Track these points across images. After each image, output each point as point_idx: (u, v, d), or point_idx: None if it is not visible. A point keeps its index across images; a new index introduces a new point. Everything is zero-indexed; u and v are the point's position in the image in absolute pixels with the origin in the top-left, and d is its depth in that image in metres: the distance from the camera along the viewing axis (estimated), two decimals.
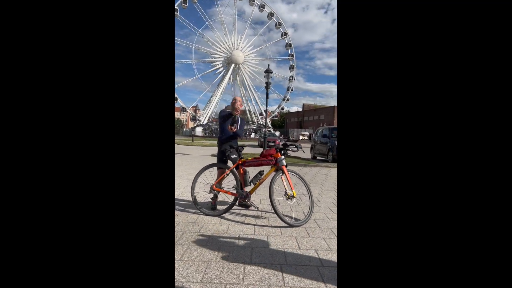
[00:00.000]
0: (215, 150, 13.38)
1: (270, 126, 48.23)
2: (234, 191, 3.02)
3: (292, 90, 51.64)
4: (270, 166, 2.99)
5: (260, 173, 3.01)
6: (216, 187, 3.07)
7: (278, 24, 48.41)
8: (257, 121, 49.17)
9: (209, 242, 2.26)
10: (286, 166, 2.91)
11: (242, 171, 3.08)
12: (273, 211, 2.96)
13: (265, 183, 3.28)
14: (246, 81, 51.46)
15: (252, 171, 3.25)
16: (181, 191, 4.26)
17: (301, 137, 42.75)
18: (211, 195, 3.19)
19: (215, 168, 3.26)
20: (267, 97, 10.16)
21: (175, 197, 3.82)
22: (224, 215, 3.01)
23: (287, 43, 50.31)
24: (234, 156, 3.04)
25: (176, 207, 3.32)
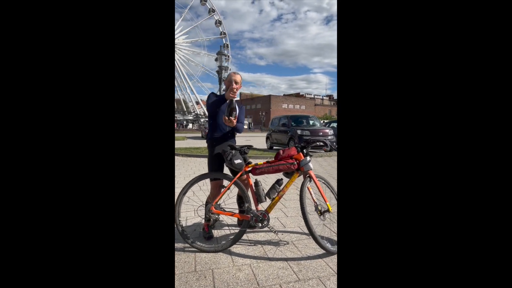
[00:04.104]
0: None
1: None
2: (243, 212, 2.11)
3: (230, 70, 50.15)
4: (290, 172, 2.17)
5: (279, 182, 2.15)
6: (216, 209, 2.09)
7: (204, 1, 45.31)
8: (194, 111, 46.45)
9: None
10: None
11: (251, 182, 2.17)
12: (288, 229, 2.17)
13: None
14: (179, 68, 47.88)
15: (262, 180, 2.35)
16: None
17: None
18: (193, 216, 2.20)
19: (206, 181, 2.26)
20: (219, 83, 9.07)
21: None
22: (231, 248, 2.08)
23: (216, 21, 47.50)
24: (239, 161, 2.09)
25: None
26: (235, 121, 2.11)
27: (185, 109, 50.10)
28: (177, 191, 3.75)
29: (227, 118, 2.09)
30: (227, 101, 2.11)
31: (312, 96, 67.13)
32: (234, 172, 2.27)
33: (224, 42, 47.36)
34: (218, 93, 2.32)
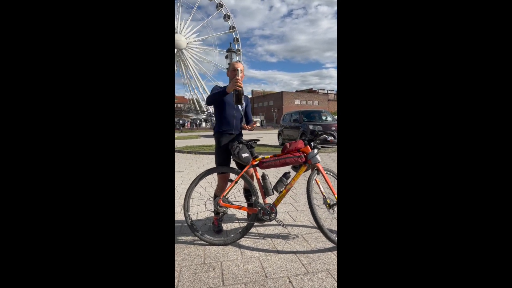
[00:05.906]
0: None
1: None
2: (251, 205, 2.11)
3: (241, 62, 49.82)
4: (297, 166, 2.14)
5: (286, 176, 2.14)
6: (224, 202, 2.10)
7: None
8: (207, 110, 46.90)
9: None
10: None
11: (258, 176, 2.16)
12: (298, 222, 2.15)
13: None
14: (191, 68, 48.43)
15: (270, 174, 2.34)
16: None
17: None
18: (204, 210, 2.21)
19: (214, 175, 2.27)
20: None
21: None
22: (240, 241, 2.08)
23: (225, 15, 47.17)
24: (246, 154, 2.09)
25: None
26: (255, 125, 2.39)
27: (198, 108, 50.68)
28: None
29: (248, 126, 2.38)
30: (237, 92, 2.04)
31: (325, 92, 66.09)
32: (241, 166, 2.27)
33: (234, 36, 47.31)
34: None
